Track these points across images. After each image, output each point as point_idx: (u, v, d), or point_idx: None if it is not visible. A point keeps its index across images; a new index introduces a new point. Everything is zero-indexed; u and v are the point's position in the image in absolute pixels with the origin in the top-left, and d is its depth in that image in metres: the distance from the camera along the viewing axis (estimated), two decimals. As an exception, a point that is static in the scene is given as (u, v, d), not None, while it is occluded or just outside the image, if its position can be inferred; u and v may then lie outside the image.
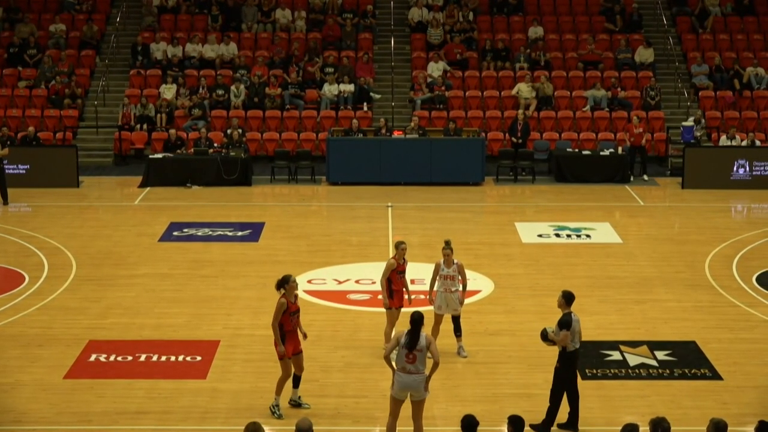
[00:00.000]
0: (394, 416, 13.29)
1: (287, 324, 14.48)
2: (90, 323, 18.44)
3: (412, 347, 13.08)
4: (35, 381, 15.86)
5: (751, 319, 18.68)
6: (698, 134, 31.16)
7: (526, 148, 31.15)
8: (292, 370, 14.61)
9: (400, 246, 16.69)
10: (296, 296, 14.71)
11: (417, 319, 13.26)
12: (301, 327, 14.75)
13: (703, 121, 31.77)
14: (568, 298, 14.30)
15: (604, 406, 15.08)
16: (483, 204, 28.45)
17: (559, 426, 14.16)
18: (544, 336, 14.22)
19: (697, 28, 36.21)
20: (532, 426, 13.78)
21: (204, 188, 29.22)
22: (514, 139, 31.04)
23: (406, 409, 13.25)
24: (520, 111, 31.78)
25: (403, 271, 16.70)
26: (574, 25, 36.40)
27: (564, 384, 14.12)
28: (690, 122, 31.52)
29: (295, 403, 14.86)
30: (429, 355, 13.25)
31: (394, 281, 16.60)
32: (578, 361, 14.37)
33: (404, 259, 16.71)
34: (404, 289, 16.75)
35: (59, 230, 24.68)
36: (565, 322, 13.99)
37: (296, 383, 14.84)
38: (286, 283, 14.54)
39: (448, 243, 16.85)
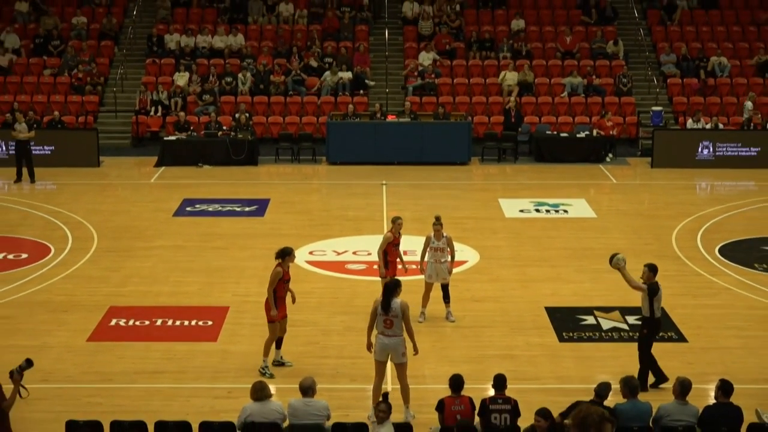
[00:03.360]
0: (380, 377, 13.39)
1: (280, 290, 14.59)
2: (111, 291, 18.48)
3: (386, 311, 13.13)
4: (61, 343, 15.91)
5: (713, 287, 18.76)
6: (747, 116, 30.98)
7: (517, 132, 31.11)
8: (278, 332, 14.72)
9: (396, 221, 16.75)
10: (289, 266, 14.78)
11: (387, 286, 13.34)
12: (292, 291, 14.87)
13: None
14: (653, 269, 14.26)
15: (579, 365, 15.14)
16: (469, 182, 28.47)
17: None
18: (614, 260, 14.19)
19: (666, 20, 36.16)
20: (651, 385, 13.87)
21: (214, 168, 29.20)
22: (511, 120, 31.05)
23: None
24: (512, 98, 31.77)
25: (398, 244, 16.77)
26: (552, 18, 36.31)
27: (647, 347, 14.14)
28: (749, 104, 31.35)
29: (279, 363, 14.99)
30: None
31: (389, 253, 16.65)
32: (660, 329, 14.36)
33: (399, 232, 16.76)
34: (398, 260, 16.82)
35: (82, 206, 24.68)
36: (654, 290, 14.00)
37: (279, 345, 14.99)
38: (287, 255, 14.62)
39: (438, 218, 16.88)
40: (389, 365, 13.48)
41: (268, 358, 14.76)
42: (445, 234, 16.83)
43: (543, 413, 10.75)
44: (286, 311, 14.83)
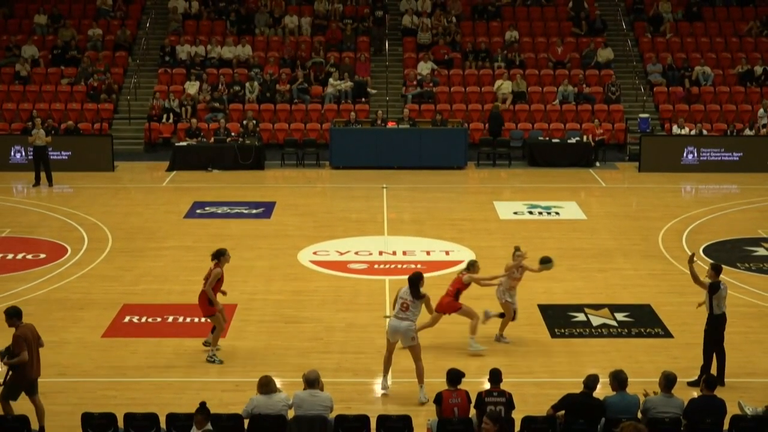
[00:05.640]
0: (389, 351, 13.75)
1: (216, 288, 14.90)
2: (124, 289, 18.46)
3: (418, 297, 13.50)
4: (77, 339, 15.89)
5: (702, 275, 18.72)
6: (765, 122, 31.01)
7: (502, 137, 31.19)
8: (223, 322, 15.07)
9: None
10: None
11: (411, 279, 13.62)
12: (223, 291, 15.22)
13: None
14: (716, 269, 14.25)
15: (571, 360, 15.12)
16: (465, 185, 28.44)
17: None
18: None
19: (652, 31, 36.14)
20: (688, 383, 13.71)
21: (223, 172, 29.18)
22: (500, 125, 31.19)
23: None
24: (503, 104, 31.84)
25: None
26: (545, 30, 36.29)
27: (712, 344, 14.06)
28: (761, 112, 31.30)
29: (207, 343, 15.25)
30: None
31: None
32: (725, 324, 14.19)
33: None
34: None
35: (97, 208, 24.66)
36: (714, 288, 14.00)
37: (213, 330, 15.23)
38: (222, 256, 14.97)
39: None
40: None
41: (215, 347, 15.00)
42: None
43: (492, 417, 10.61)
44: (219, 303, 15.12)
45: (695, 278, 14.27)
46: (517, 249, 16.00)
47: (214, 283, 14.79)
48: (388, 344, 13.75)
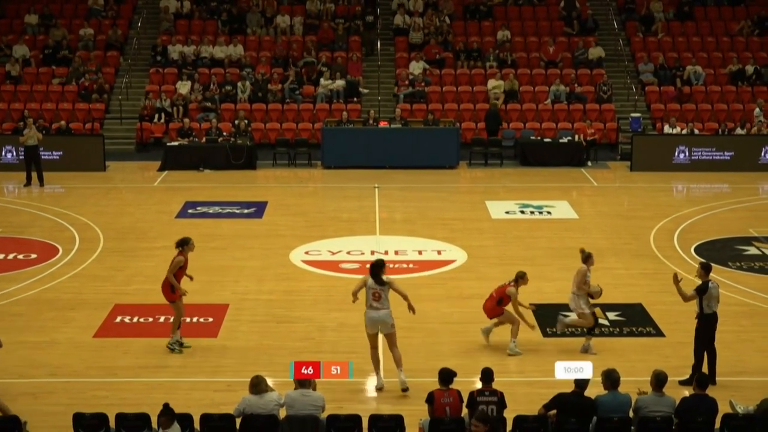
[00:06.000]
0: (373, 347, 13.92)
1: (179, 276, 15.12)
2: (116, 289, 18.43)
3: (382, 284, 13.65)
4: (68, 339, 15.86)
5: (690, 285, 18.70)
6: (762, 120, 30.96)
7: (496, 136, 31.24)
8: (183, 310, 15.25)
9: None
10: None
11: (373, 266, 13.81)
12: (189, 275, 15.40)
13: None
14: (706, 268, 14.24)
15: (563, 359, 15.08)
16: (457, 185, 28.44)
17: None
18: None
19: (644, 31, 36.17)
20: (680, 382, 13.74)
21: (214, 172, 29.15)
22: (498, 123, 31.35)
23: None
24: (498, 102, 31.97)
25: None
26: (536, 29, 36.31)
27: (703, 343, 14.06)
28: (758, 111, 31.29)
29: (176, 345, 15.34)
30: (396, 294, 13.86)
31: None
32: (716, 324, 14.16)
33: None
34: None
35: (88, 208, 24.62)
36: (702, 289, 13.98)
37: (179, 326, 15.40)
38: (186, 244, 15.23)
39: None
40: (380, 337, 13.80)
41: (175, 335, 15.18)
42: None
43: (481, 418, 10.59)
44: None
45: (684, 298, 14.21)
46: (586, 254, 15.46)
47: (175, 270, 14.99)
48: (369, 339, 13.85)
